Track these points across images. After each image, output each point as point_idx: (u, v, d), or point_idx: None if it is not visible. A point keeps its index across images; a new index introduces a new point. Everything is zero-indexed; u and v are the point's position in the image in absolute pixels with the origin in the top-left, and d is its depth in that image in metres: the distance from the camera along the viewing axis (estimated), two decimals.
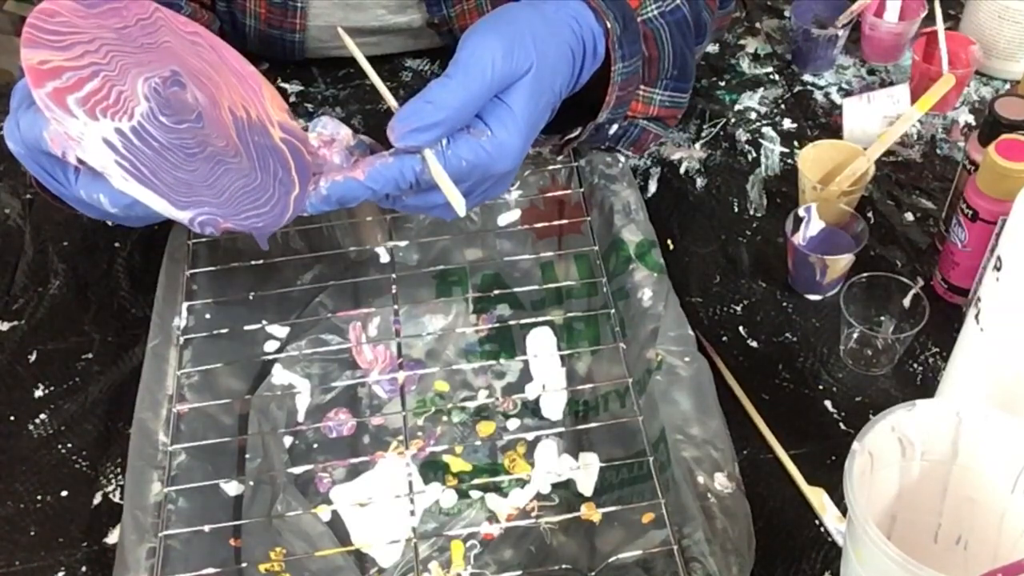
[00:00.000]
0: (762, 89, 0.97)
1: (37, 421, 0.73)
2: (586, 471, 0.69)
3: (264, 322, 0.76)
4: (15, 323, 0.80)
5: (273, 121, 0.63)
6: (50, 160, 0.59)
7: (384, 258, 0.80)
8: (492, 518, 0.67)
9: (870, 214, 0.84)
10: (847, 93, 0.96)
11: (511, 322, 0.77)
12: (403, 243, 0.80)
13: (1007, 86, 0.96)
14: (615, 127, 0.78)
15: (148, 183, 0.55)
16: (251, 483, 0.66)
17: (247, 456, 0.68)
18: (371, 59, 1.00)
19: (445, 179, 0.58)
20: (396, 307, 0.75)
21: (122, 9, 0.62)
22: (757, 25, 1.05)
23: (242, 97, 0.63)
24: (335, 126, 0.62)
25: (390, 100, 0.61)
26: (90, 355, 0.77)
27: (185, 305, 0.74)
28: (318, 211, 0.61)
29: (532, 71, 0.60)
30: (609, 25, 0.67)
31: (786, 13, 1.05)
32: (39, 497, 0.69)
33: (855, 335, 0.73)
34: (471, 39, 0.60)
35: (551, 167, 0.82)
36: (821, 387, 0.73)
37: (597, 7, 0.67)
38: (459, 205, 0.60)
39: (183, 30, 0.64)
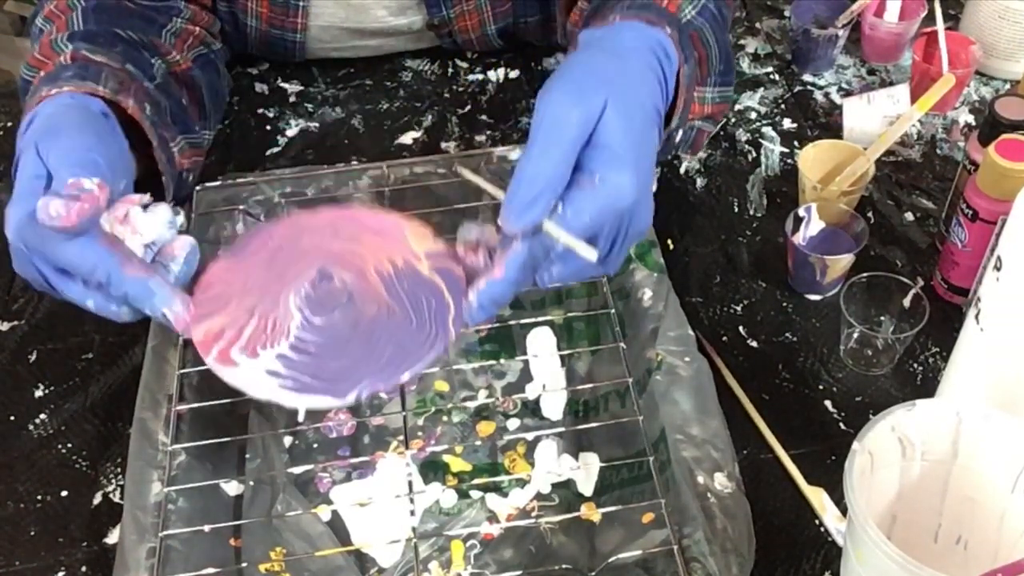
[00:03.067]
0: (762, 89, 0.97)
1: (37, 421, 0.73)
2: (586, 471, 0.69)
3: None
4: (15, 323, 0.80)
5: (419, 256, 0.64)
6: (57, 273, 0.59)
7: None
8: (492, 518, 0.67)
9: (870, 214, 0.84)
10: (847, 93, 0.96)
11: (511, 322, 0.77)
12: None
13: (1007, 86, 0.96)
14: (680, 133, 0.77)
15: (309, 389, 0.57)
16: (251, 483, 0.66)
17: (247, 456, 0.68)
18: (371, 60, 1.01)
19: (569, 239, 0.58)
20: None
21: (267, 239, 0.65)
22: (757, 25, 1.05)
23: (386, 252, 0.64)
24: (479, 230, 0.63)
25: (498, 193, 0.61)
26: (90, 355, 0.77)
27: None
28: (479, 322, 0.62)
29: (609, 102, 0.58)
30: (668, 31, 0.66)
31: (786, 13, 1.05)
32: (39, 497, 0.69)
33: (855, 335, 0.73)
34: (540, 101, 0.59)
35: None
36: (821, 387, 0.73)
37: (648, 20, 0.66)
38: (590, 253, 0.59)
39: (319, 223, 0.66)
